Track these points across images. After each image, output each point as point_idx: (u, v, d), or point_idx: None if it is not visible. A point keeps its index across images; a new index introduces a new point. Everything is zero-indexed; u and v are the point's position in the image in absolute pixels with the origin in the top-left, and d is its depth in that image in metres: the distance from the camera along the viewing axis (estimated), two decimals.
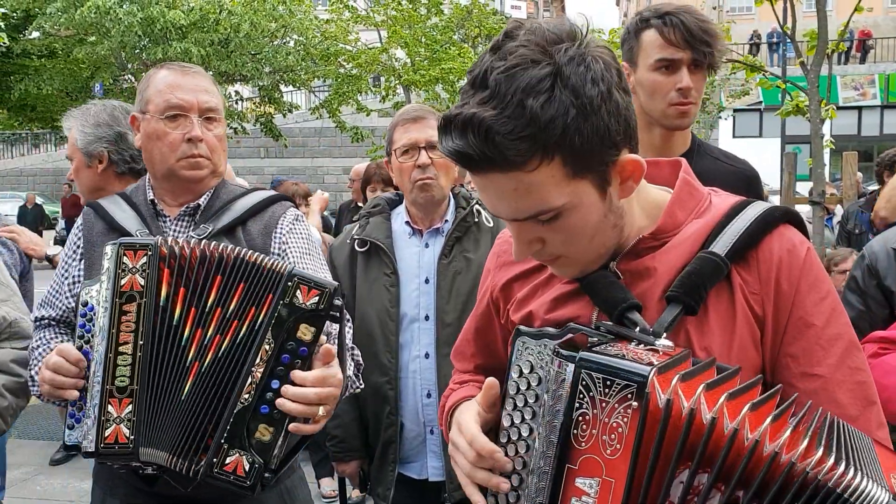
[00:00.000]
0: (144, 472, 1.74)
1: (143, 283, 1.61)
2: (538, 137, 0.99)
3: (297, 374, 1.54)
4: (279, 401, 1.52)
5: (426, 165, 2.41)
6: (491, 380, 1.17)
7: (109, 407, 1.57)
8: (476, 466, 1.15)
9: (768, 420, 0.94)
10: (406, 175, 2.44)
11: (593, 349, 1.03)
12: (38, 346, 1.89)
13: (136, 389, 1.58)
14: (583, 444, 1.01)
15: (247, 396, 1.54)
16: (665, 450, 0.96)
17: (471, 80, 1.04)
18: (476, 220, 2.51)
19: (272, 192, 2.02)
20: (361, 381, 1.94)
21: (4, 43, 10.88)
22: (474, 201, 2.53)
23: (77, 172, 2.50)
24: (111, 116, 2.46)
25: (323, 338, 1.59)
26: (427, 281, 2.47)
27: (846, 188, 5.93)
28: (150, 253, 1.62)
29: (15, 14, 21.58)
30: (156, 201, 1.95)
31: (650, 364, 0.98)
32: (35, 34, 21.08)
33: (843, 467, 0.90)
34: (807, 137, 6.44)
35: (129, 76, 21.25)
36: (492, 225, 2.52)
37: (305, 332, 1.55)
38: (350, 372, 1.81)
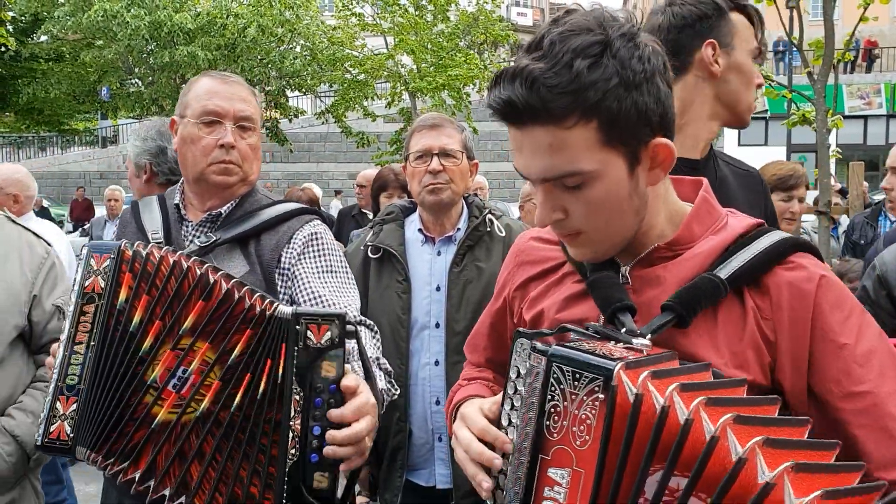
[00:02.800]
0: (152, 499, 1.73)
1: (103, 286, 1.59)
2: (579, 96, 1.05)
3: (334, 414, 1.46)
4: (329, 449, 1.46)
5: (437, 171, 2.44)
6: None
7: (58, 404, 1.57)
8: (482, 455, 1.17)
9: (758, 438, 0.92)
10: (417, 179, 2.47)
11: (566, 344, 1.07)
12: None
13: (83, 388, 1.57)
14: (555, 435, 1.04)
15: (293, 452, 1.48)
16: (636, 444, 0.98)
17: (528, 44, 1.12)
18: (488, 229, 2.52)
19: (295, 206, 1.99)
20: (397, 388, 1.90)
21: (12, 47, 10.93)
22: (487, 210, 2.55)
23: (130, 181, 2.80)
24: (157, 132, 2.71)
25: (346, 367, 1.52)
26: (438, 289, 2.49)
27: (852, 198, 5.92)
28: (112, 256, 1.61)
29: (23, 18, 21.69)
30: (181, 206, 1.98)
31: (621, 359, 1.00)
32: (43, 38, 21.17)
33: None
34: (812, 146, 6.44)
35: (136, 80, 21.34)
36: (504, 235, 2.53)
37: (329, 369, 1.49)
38: (382, 384, 1.77)
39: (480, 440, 1.18)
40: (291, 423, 1.48)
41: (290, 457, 1.47)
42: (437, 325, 2.47)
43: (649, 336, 1.10)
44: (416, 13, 18.38)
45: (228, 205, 1.94)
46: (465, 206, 2.58)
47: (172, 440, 1.52)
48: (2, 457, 1.98)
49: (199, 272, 1.53)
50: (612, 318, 1.16)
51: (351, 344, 1.57)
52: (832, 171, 6.72)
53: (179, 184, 2.04)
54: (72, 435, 1.56)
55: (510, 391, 1.15)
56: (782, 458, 0.91)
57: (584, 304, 1.24)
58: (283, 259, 1.88)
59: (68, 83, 21.44)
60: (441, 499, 2.50)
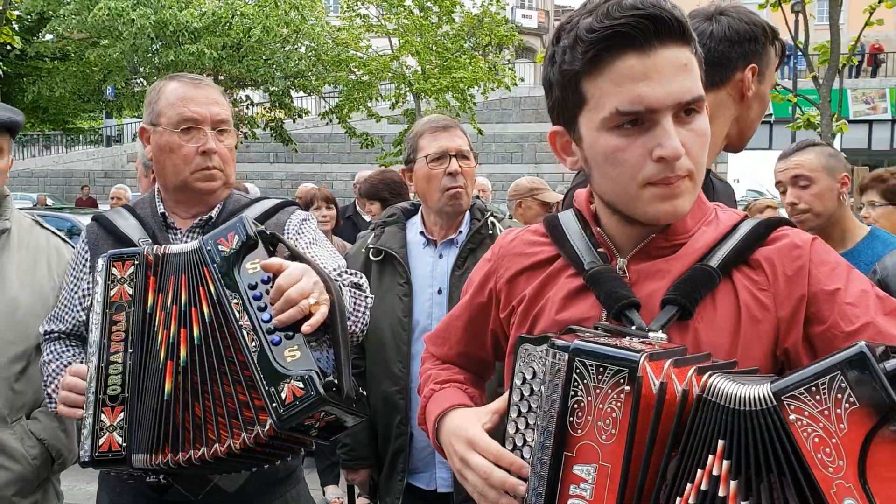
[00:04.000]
0: (150, 480, 1.75)
1: (131, 293, 1.62)
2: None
3: (273, 293, 1.53)
4: (276, 319, 1.51)
5: (457, 173, 2.42)
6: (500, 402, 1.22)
7: (103, 416, 1.58)
8: (504, 483, 1.14)
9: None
10: (435, 182, 2.44)
11: (588, 339, 1.07)
12: (51, 361, 1.88)
13: (127, 397, 1.59)
14: (579, 431, 1.03)
15: (254, 344, 1.52)
16: (661, 434, 0.98)
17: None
18: (490, 232, 2.51)
19: (277, 200, 2.02)
20: (368, 300, 1.89)
21: (18, 47, 10.96)
22: (489, 213, 2.54)
23: (139, 180, 2.83)
24: None
25: (271, 259, 1.61)
26: (440, 291, 2.48)
27: (856, 203, 5.91)
28: (137, 262, 1.64)
29: (29, 16, 21.74)
30: (167, 214, 1.95)
31: (642, 351, 1.01)
32: (48, 37, 21.22)
33: None
34: None
35: (141, 80, 21.38)
36: None
37: (252, 267, 1.58)
38: (344, 281, 1.81)
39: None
40: (239, 322, 1.54)
41: (254, 348, 1.53)
42: None
43: (660, 331, 1.11)
44: (421, 15, 18.40)
45: (216, 209, 1.94)
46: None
47: (173, 404, 1.58)
48: (27, 460, 1.99)
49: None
50: (619, 315, 1.16)
51: (262, 247, 1.63)
52: None
53: (154, 192, 2.00)
54: (124, 444, 1.58)
55: (515, 398, 1.14)
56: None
57: (585, 302, 1.23)
58: (282, 248, 1.89)
59: (73, 82, 21.49)
60: (442, 502, 2.49)
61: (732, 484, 0.93)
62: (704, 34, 1.78)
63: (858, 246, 2.65)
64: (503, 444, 1.16)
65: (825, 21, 5.91)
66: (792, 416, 0.90)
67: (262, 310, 1.54)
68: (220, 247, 1.59)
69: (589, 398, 1.02)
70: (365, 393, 1.68)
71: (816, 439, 0.88)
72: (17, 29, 15.54)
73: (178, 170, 1.88)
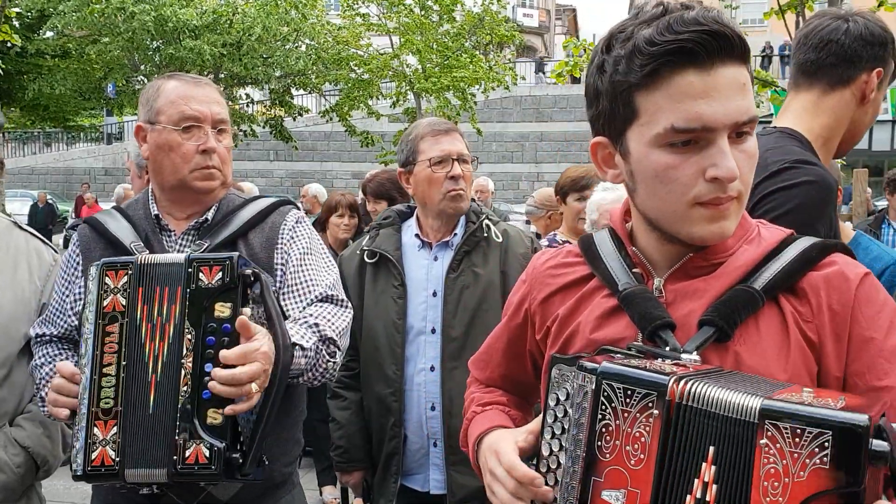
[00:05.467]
0: (144, 492, 1.73)
1: (124, 303, 1.60)
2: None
3: (222, 353, 1.51)
4: (210, 384, 1.51)
5: (459, 177, 2.43)
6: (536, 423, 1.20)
7: (95, 429, 1.56)
8: (516, 497, 1.14)
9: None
10: (437, 185, 2.44)
11: (615, 361, 1.05)
12: (43, 365, 1.86)
13: (121, 410, 1.57)
14: (607, 455, 1.01)
15: (185, 389, 1.53)
16: None
17: (663, 10, 1.08)
18: (485, 234, 2.51)
19: (271, 200, 2.00)
20: (335, 356, 1.87)
21: (17, 45, 10.95)
22: (484, 216, 2.54)
23: (132, 181, 2.78)
24: None
25: (246, 310, 1.58)
26: (435, 294, 2.48)
27: (856, 205, 5.91)
28: (130, 272, 1.61)
29: (30, 14, 21.73)
30: (160, 215, 1.92)
31: (671, 374, 0.98)
32: (49, 34, 21.22)
33: None
34: None
35: (142, 77, 21.36)
36: (501, 240, 2.52)
37: (222, 309, 1.55)
38: (310, 343, 1.76)
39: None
40: (183, 360, 1.54)
41: (182, 394, 1.53)
42: (433, 331, 2.46)
43: (695, 352, 1.08)
44: (422, 13, 18.39)
45: (212, 210, 1.92)
46: None
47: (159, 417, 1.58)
48: (10, 468, 1.94)
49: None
50: (654, 336, 1.14)
51: (246, 289, 1.61)
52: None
53: (148, 193, 1.98)
54: (117, 459, 1.56)
55: (549, 419, 1.12)
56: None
57: (619, 322, 1.20)
58: (276, 255, 1.89)
59: (74, 79, 21.48)
60: None
61: (714, 488, 0.93)
62: (838, 31, 1.78)
63: None
64: (538, 465, 1.14)
65: None
66: (763, 441, 0.90)
67: (209, 360, 1.53)
68: (200, 274, 1.56)
69: (617, 422, 1.00)
70: (267, 462, 1.68)
71: (772, 470, 0.89)
72: (16, 26, 15.51)
73: (176, 168, 1.85)
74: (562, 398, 1.10)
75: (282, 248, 1.90)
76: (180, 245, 1.89)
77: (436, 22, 18.59)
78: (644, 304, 1.16)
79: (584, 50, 8.46)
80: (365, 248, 2.56)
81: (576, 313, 1.27)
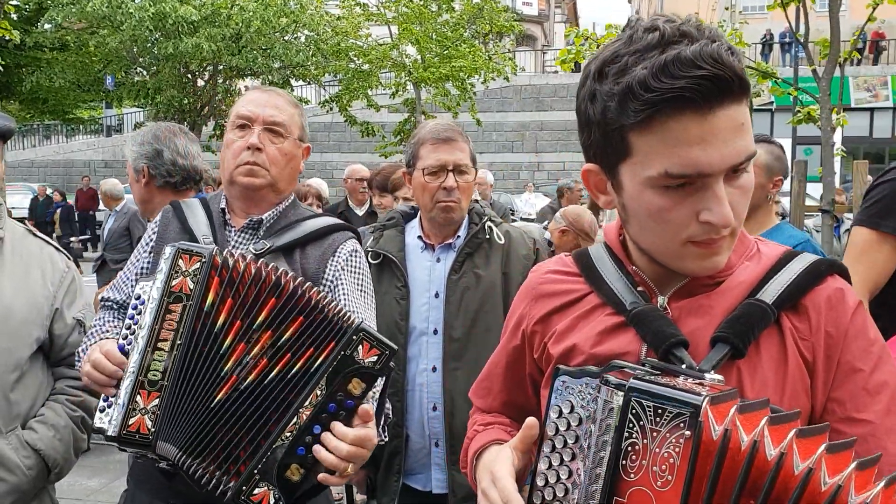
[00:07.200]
0: (159, 465, 1.77)
1: (191, 287, 1.65)
2: (745, 75, 1.04)
3: (338, 427, 1.54)
4: (316, 447, 1.54)
5: (452, 189, 2.43)
6: (531, 420, 1.14)
7: (138, 397, 1.61)
8: None
9: (852, 465, 0.90)
10: (430, 194, 2.45)
11: (644, 378, 1.01)
12: (95, 326, 1.96)
13: (166, 385, 1.62)
14: (632, 475, 0.97)
15: (288, 435, 1.56)
16: (722, 484, 0.93)
17: (661, 39, 1.02)
18: (488, 236, 2.52)
19: (337, 221, 2.07)
20: (387, 435, 1.94)
21: (15, 40, 10.92)
22: (486, 218, 2.55)
23: (130, 186, 2.81)
24: (153, 136, 2.75)
25: (369, 394, 1.61)
26: (437, 295, 2.49)
27: (856, 197, 5.91)
28: (203, 260, 1.67)
29: (27, 6, 21.66)
30: (226, 210, 2.02)
31: (703, 394, 0.95)
32: (47, 26, 21.13)
33: None
34: (818, 138, 6.43)
35: (141, 70, 21.31)
36: (503, 242, 2.53)
37: (357, 386, 1.57)
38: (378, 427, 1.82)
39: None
40: (301, 410, 1.57)
41: (283, 438, 1.56)
42: (435, 332, 2.47)
43: (712, 371, 1.05)
44: (421, 3, 18.32)
45: (270, 213, 1.99)
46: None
47: (219, 415, 1.61)
48: (22, 470, 1.98)
49: (273, 277, 1.64)
50: (667, 354, 1.11)
51: (381, 379, 1.64)
52: (836, 169, 6.71)
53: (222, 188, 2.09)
54: (153, 430, 1.61)
55: (549, 432, 1.09)
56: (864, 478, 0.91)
57: (622, 338, 1.18)
58: (328, 270, 1.95)
59: (73, 72, 21.40)
60: (437, 503, 2.51)
61: None
62: None
63: (762, 234, 2.73)
64: (535, 477, 1.12)
65: (827, 8, 5.87)
66: None
67: (321, 422, 1.56)
68: (359, 347, 1.57)
69: (644, 441, 0.96)
70: None
71: None
72: (14, 19, 15.45)
73: (227, 164, 1.96)
74: (565, 411, 1.08)
75: (335, 266, 1.95)
76: (237, 240, 1.98)
77: (435, 12, 18.52)
78: (656, 321, 1.14)
79: (586, 39, 8.45)
80: (369, 248, 2.58)
81: (573, 330, 1.25)
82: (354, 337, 1.57)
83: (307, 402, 1.56)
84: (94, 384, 1.71)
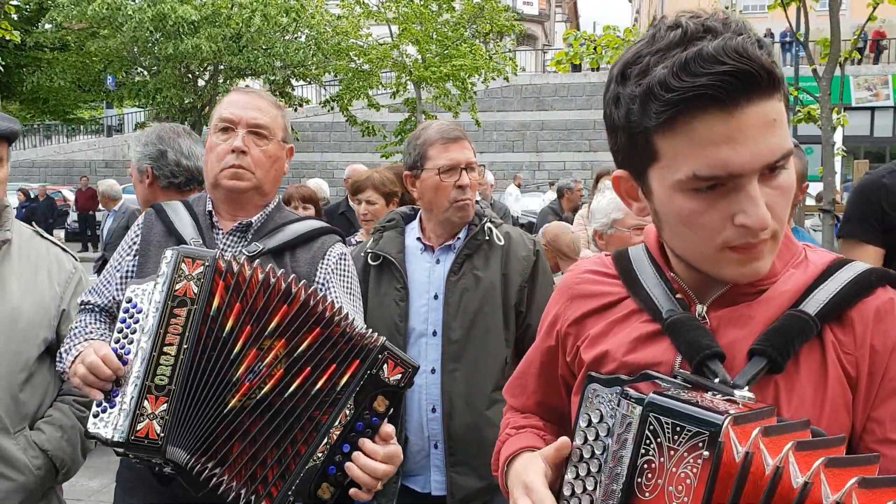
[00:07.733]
0: (161, 470, 1.77)
1: (196, 291, 1.64)
2: (777, 67, 0.98)
3: (368, 445, 1.57)
4: (349, 466, 1.55)
5: (466, 186, 2.44)
6: (563, 440, 1.11)
7: (145, 402, 1.60)
8: None
9: None
10: (444, 193, 2.45)
11: (665, 393, 0.97)
12: (75, 329, 1.93)
13: (174, 390, 1.61)
14: (647, 494, 0.93)
15: (320, 455, 1.56)
16: None
17: (684, 35, 0.97)
18: (487, 237, 2.52)
19: (324, 224, 2.08)
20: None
21: (15, 41, 10.94)
22: (486, 219, 2.55)
23: (134, 186, 2.80)
24: (157, 136, 2.75)
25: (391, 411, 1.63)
26: (436, 297, 2.49)
27: None
28: (206, 264, 1.66)
29: (28, 6, 21.67)
30: (213, 213, 2.02)
31: (725, 413, 0.90)
32: (48, 26, 21.15)
33: None
34: (818, 138, 6.43)
35: (142, 70, 21.33)
36: (503, 243, 2.53)
37: (381, 403, 1.59)
38: None
39: None
40: (332, 430, 1.57)
41: (314, 459, 1.56)
42: (434, 334, 2.47)
43: (747, 387, 1.00)
44: (421, 2, 18.31)
45: (258, 216, 1.99)
46: None
47: (234, 423, 1.60)
48: (30, 470, 2.00)
49: (283, 284, 1.63)
50: (701, 367, 1.05)
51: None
52: (837, 169, 6.70)
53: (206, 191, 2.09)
54: (162, 435, 1.60)
55: (578, 441, 1.06)
56: None
57: (657, 346, 1.12)
58: (318, 273, 1.95)
59: (73, 72, 21.43)
60: None
61: None
62: None
63: None
64: (562, 488, 1.09)
65: (827, 7, 5.86)
66: None
67: (349, 443, 1.57)
68: (384, 366, 1.58)
69: (661, 459, 0.92)
70: None
71: None
72: (15, 19, 15.46)
73: (212, 167, 1.95)
74: (594, 420, 1.04)
75: (325, 269, 1.96)
76: (226, 243, 1.98)
77: (435, 11, 18.51)
78: (692, 331, 1.08)
79: (584, 41, 8.46)
80: (369, 250, 2.57)
81: (607, 335, 1.20)
82: (380, 356, 1.58)
83: (336, 423, 1.57)
84: (85, 387, 1.68)
